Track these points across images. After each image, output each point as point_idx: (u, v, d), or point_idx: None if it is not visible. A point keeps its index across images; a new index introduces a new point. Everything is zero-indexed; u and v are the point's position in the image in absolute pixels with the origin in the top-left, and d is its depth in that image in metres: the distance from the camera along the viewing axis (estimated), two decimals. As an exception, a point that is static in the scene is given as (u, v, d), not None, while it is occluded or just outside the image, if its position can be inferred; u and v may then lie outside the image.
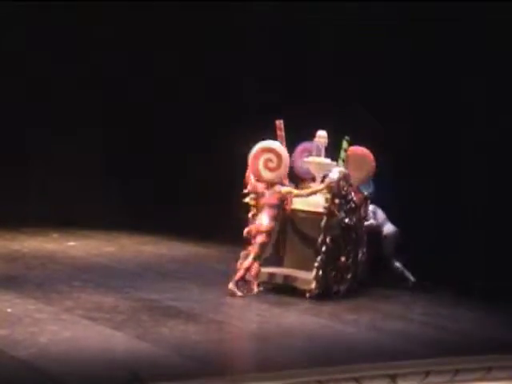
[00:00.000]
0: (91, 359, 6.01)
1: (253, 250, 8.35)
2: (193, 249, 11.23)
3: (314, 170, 9.00)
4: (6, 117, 11.71)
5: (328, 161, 8.97)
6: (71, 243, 10.80)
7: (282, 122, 8.93)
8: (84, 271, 9.25)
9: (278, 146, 8.67)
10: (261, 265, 8.44)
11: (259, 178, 8.56)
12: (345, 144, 9.00)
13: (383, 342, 7.01)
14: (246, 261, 8.34)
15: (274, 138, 8.87)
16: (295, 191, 8.66)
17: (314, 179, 8.99)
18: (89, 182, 12.13)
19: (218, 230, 11.92)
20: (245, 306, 7.97)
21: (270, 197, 8.48)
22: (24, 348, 6.08)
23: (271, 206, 8.45)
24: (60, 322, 6.82)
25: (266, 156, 8.55)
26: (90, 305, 7.58)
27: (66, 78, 12.00)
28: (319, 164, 8.95)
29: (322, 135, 9.02)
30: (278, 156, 8.56)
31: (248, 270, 8.33)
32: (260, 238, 8.33)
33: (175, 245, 11.16)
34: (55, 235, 11.20)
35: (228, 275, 9.39)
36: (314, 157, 9.05)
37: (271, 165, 8.52)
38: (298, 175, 9.17)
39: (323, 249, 8.39)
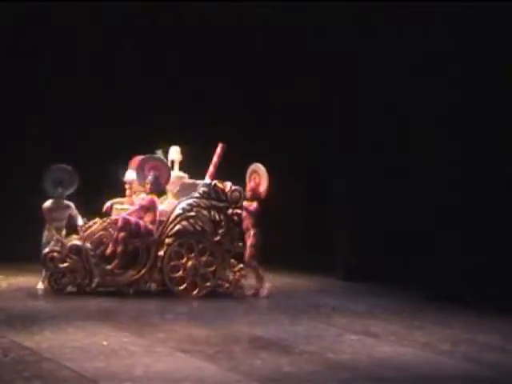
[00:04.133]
0: (185, 391, 6.04)
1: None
2: (282, 280, 11.22)
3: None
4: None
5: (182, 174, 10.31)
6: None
7: (224, 146, 10.06)
8: (176, 303, 9.35)
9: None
10: None
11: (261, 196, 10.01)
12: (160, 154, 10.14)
13: (480, 374, 6.82)
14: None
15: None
16: None
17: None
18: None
19: (305, 260, 11.90)
20: (336, 336, 7.90)
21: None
22: (119, 380, 6.17)
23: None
24: (153, 355, 6.90)
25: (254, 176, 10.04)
26: (183, 337, 7.66)
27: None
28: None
29: (176, 150, 10.30)
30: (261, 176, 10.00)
31: None
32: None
33: (264, 276, 11.16)
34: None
35: (318, 306, 9.36)
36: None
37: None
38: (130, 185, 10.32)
39: None
